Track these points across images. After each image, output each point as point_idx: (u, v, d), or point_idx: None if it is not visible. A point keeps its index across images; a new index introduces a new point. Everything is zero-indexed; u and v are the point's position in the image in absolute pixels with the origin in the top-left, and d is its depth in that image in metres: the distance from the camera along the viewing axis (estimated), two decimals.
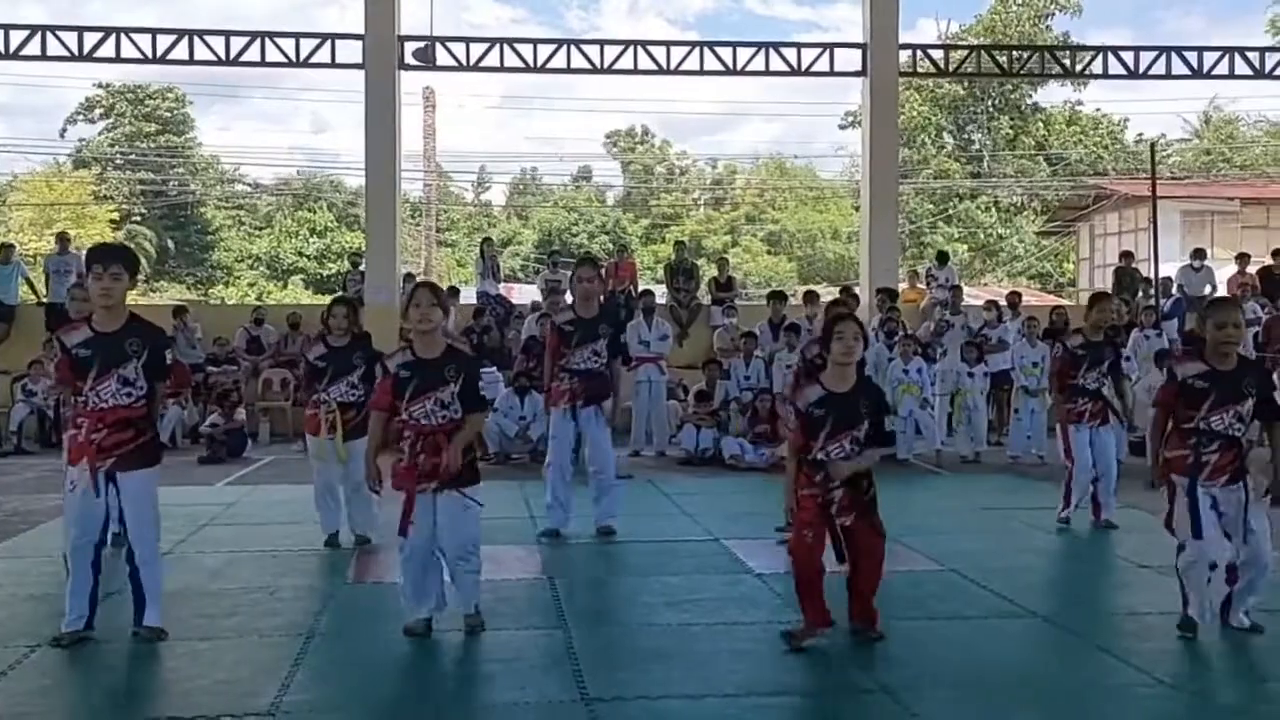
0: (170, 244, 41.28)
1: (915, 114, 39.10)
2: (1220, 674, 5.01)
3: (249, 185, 46.86)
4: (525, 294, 22.59)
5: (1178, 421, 5.24)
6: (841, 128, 42.27)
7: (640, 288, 16.70)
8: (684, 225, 44.28)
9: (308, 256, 40.06)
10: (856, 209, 25.17)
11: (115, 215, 38.26)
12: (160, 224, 41.50)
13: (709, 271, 18.83)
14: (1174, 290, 16.29)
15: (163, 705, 4.40)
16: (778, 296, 14.62)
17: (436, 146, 41.53)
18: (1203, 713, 4.41)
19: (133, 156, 41.80)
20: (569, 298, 12.83)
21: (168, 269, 41.07)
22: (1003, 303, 15.10)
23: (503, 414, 12.18)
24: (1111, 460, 7.94)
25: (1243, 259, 17.26)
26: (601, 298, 8.00)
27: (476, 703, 4.42)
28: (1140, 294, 16.38)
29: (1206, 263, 16.92)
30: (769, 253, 43.29)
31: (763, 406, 12.18)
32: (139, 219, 40.56)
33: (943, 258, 18.55)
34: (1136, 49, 18.33)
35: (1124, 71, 18.22)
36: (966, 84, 38.58)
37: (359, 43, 16.62)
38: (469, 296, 18.14)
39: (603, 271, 7.95)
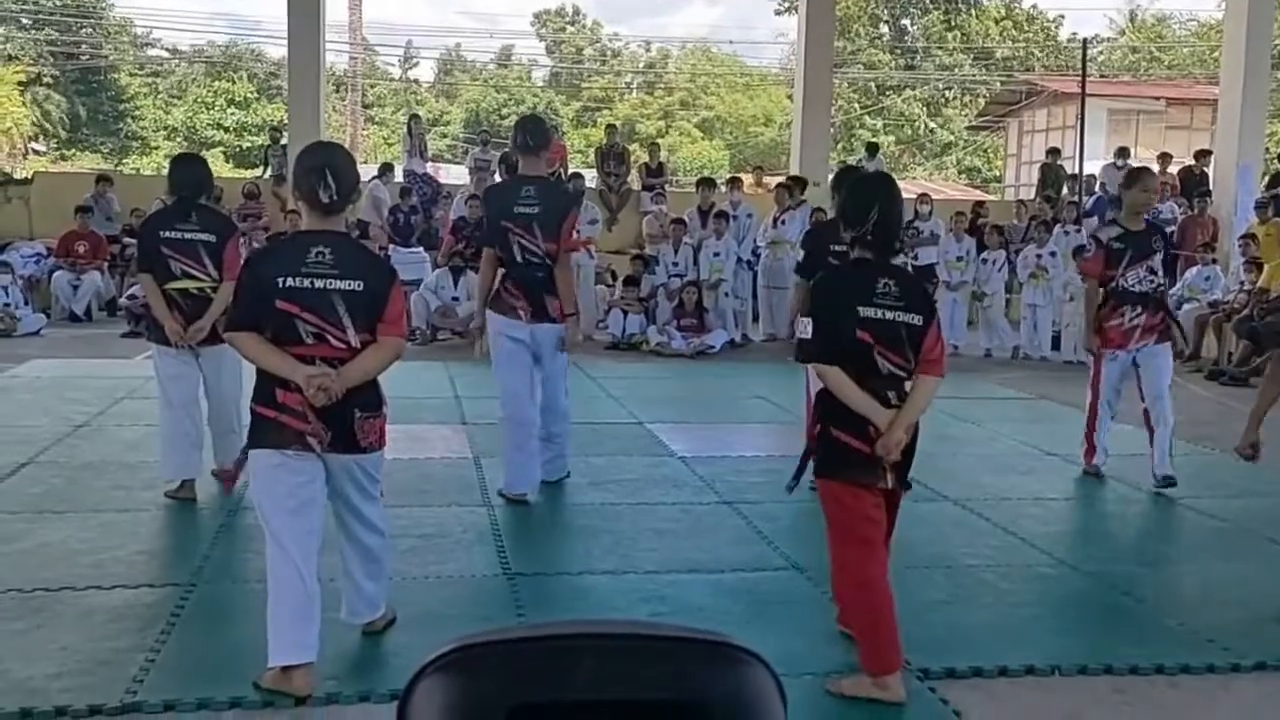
0: (82, 110, 39.62)
1: (852, 4, 38.62)
2: (1115, 555, 5.25)
3: (165, 51, 44.94)
4: (453, 175, 22.21)
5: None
6: (778, 14, 41.72)
7: (570, 170, 16.50)
8: (616, 109, 43.62)
9: (226, 129, 38.72)
10: (790, 97, 24.96)
11: (23, 76, 36.52)
12: (72, 89, 39.75)
13: (641, 156, 18.63)
14: (1097, 188, 16.55)
15: (80, 575, 4.38)
16: (706, 183, 14.52)
17: (363, 18, 40.19)
18: (1098, 591, 4.63)
19: (40, 16, 39.74)
20: (497, 178, 12.60)
21: (80, 137, 39.47)
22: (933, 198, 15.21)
23: (432, 292, 12.07)
24: (1164, 389, 6.15)
25: (1164, 159, 17.53)
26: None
27: (399, 575, 4.47)
28: (1065, 190, 16.62)
29: (1130, 161, 17.14)
30: (704, 139, 42.89)
31: (689, 298, 12.22)
32: (49, 82, 38.78)
33: (872, 149, 18.50)
34: None
35: None
36: None
37: None
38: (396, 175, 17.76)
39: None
